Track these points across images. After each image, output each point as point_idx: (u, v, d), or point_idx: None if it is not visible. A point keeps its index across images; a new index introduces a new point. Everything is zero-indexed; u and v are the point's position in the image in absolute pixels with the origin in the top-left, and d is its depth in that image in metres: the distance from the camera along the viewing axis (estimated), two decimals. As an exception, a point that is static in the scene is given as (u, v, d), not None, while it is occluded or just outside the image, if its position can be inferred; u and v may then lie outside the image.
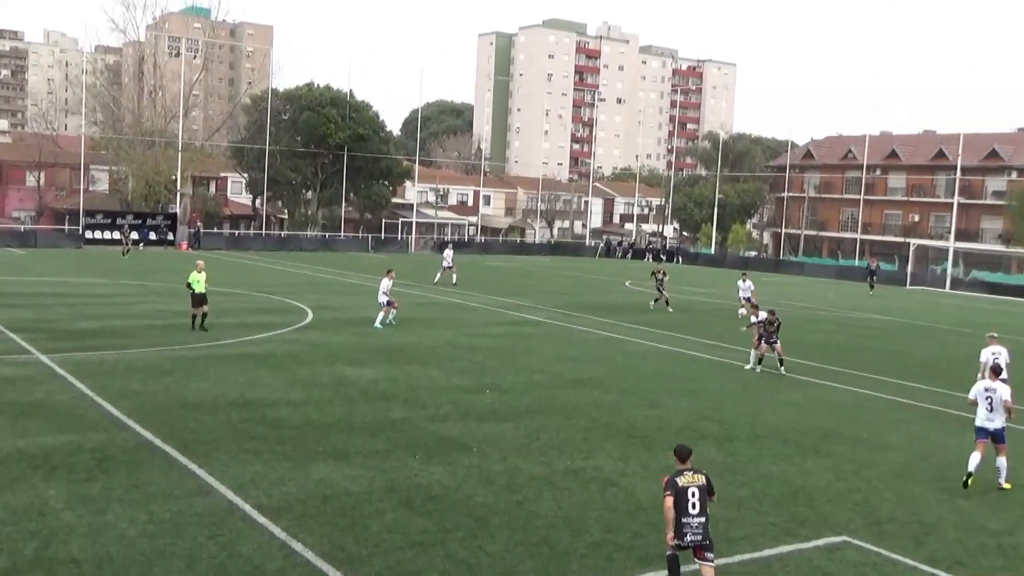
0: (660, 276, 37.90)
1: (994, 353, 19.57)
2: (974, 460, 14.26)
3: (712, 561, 9.57)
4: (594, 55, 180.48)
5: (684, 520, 9.40)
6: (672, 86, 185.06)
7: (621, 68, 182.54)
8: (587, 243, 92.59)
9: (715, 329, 32.33)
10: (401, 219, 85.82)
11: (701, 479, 9.58)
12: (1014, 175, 78.82)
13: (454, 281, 44.01)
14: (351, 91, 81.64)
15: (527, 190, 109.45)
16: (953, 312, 45.99)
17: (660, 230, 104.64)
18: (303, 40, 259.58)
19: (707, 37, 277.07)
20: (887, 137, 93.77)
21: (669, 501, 9.42)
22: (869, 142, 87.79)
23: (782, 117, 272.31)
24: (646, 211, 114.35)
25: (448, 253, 46.44)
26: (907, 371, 25.79)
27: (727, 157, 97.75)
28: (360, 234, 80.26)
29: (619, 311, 36.37)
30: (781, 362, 24.01)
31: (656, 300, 37.88)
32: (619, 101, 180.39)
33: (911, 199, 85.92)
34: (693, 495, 9.45)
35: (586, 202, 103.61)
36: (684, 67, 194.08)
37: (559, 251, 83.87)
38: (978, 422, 14.63)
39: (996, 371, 15.20)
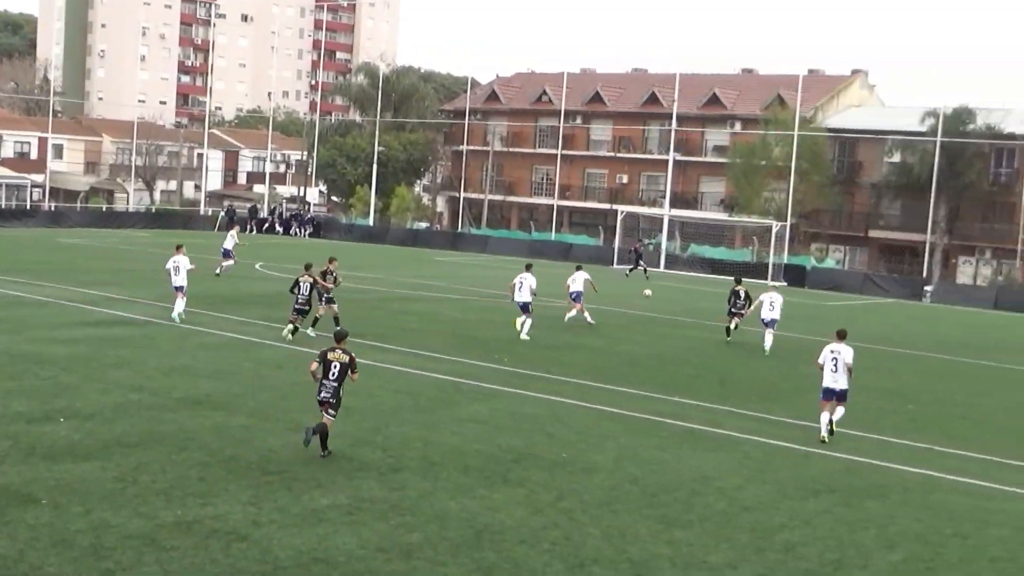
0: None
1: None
2: (824, 419, 21.04)
3: (332, 416, 17.32)
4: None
5: (323, 382, 17.34)
6: (316, 1, 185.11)
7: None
8: (203, 211, 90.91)
9: (377, 325, 32.87)
10: (-71, 178, 79.92)
11: (345, 358, 17.41)
12: (737, 126, 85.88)
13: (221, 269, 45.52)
14: None
15: (116, 138, 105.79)
16: (672, 296, 49.48)
17: (302, 194, 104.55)
18: None
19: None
20: (589, 76, 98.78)
21: (314, 365, 17.64)
22: (568, 82, 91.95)
23: (460, 47, 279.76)
24: (282, 168, 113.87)
25: (233, 232, 47.97)
26: (614, 372, 27.57)
27: (389, 97, 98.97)
28: None
29: (249, 304, 36.08)
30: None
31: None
32: (245, 19, 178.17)
33: (618, 155, 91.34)
34: (335, 367, 17.33)
35: (200, 155, 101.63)
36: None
37: (163, 223, 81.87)
38: (824, 383, 21.37)
39: (841, 334, 21.89)
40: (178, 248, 32.90)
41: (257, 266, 51.93)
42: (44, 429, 17.99)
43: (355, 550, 13.24)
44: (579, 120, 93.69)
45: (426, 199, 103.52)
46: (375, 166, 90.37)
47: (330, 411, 17.30)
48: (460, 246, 77.67)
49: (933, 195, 70.67)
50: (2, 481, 15.07)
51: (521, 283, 33.78)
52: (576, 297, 36.94)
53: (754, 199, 77.90)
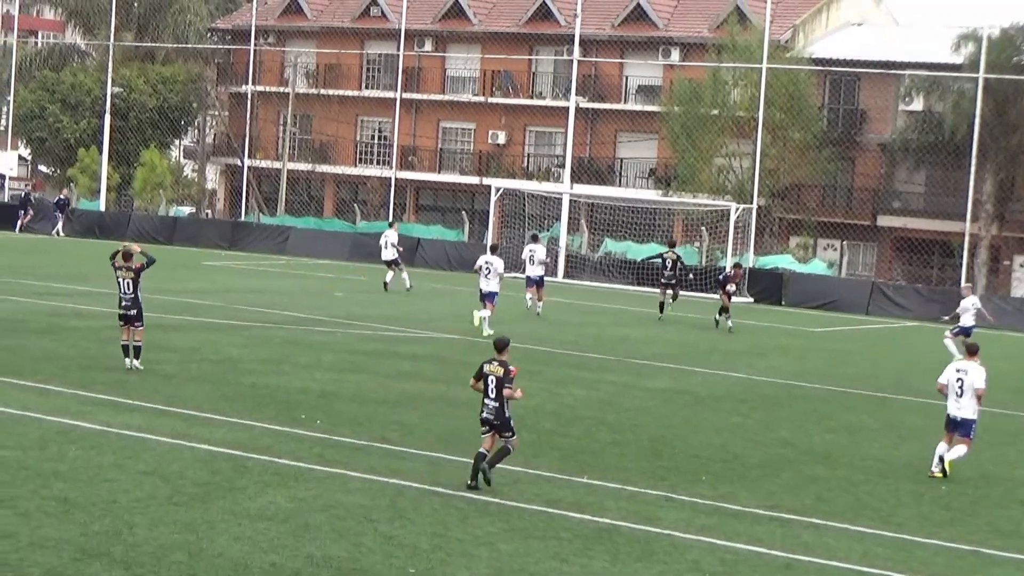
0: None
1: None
2: (939, 450, 25.84)
3: (508, 439, 22.85)
4: None
5: (484, 400, 22.79)
6: None
7: None
8: None
9: (112, 368, 32.83)
10: None
11: (500, 371, 22.43)
12: (675, 56, 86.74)
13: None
14: None
15: None
16: (576, 319, 49.75)
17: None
18: None
19: None
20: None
21: (472, 382, 23.09)
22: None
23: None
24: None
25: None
26: (475, 438, 27.61)
27: (129, 9, 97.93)
28: None
29: None
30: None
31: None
32: None
33: (491, 100, 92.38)
34: (491, 382, 22.55)
35: None
36: None
37: None
38: (948, 409, 25.99)
39: (972, 349, 26.74)
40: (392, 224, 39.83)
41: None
42: None
43: None
44: (429, 45, 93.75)
45: (190, 170, 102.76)
46: (108, 117, 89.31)
47: (506, 434, 22.82)
48: (244, 243, 77.35)
49: (974, 162, 71.21)
50: None
51: (488, 267, 45.25)
52: (539, 282, 50.44)
53: (702, 169, 78.69)
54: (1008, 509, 24.71)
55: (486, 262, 45.47)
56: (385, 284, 57.39)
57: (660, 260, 54.04)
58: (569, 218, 74.56)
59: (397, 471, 24.11)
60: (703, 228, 75.34)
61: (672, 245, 55.42)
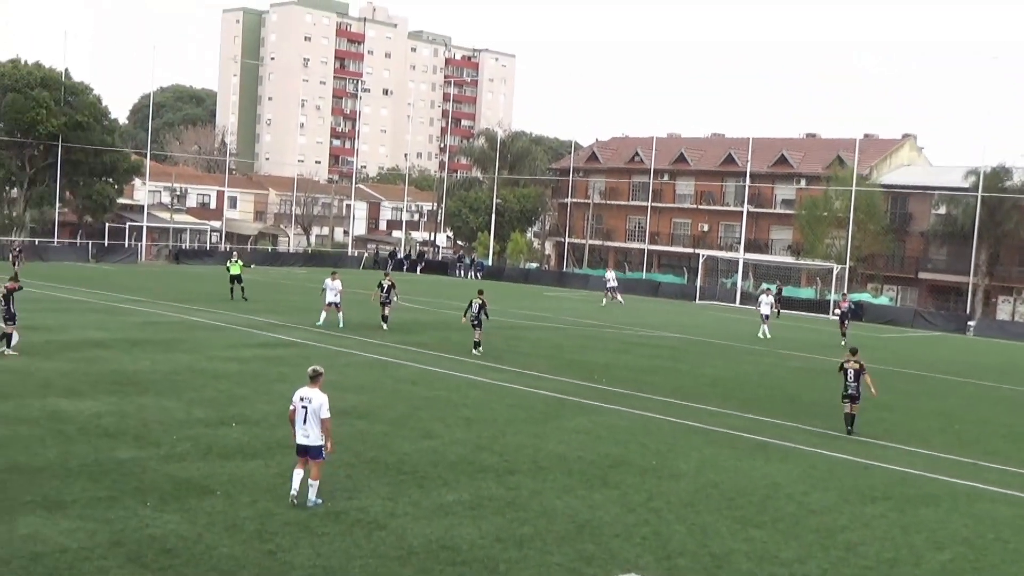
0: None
1: None
2: None
3: (850, 406, 21.94)
4: (357, 39, 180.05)
5: (846, 383, 21.93)
6: (445, 77, 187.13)
7: (388, 55, 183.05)
8: (350, 252, 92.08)
9: (495, 349, 32.88)
10: (129, 223, 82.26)
11: (856, 365, 21.98)
12: (803, 183, 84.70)
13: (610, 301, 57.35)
14: (67, 70, 77.21)
15: (280, 191, 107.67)
16: (744, 328, 48.80)
17: (432, 238, 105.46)
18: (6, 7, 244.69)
19: (483, 24, 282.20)
20: (675, 140, 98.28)
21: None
22: (657, 144, 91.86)
23: (565, 115, 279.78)
24: (416, 217, 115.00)
25: (610, 274, 62.25)
26: (697, 392, 27.17)
27: (505, 158, 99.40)
28: (79, 240, 76.42)
29: (389, 330, 36.37)
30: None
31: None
32: (386, 92, 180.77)
33: (700, 207, 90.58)
34: (849, 374, 21.95)
35: (348, 206, 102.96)
36: (458, 56, 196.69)
37: (317, 261, 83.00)
38: None
39: None
40: (333, 275, 37.77)
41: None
42: (219, 432, 18.30)
43: (476, 539, 13.24)
44: (666, 177, 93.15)
45: (536, 243, 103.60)
46: (494, 215, 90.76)
47: (853, 404, 22.03)
48: (565, 283, 77.44)
49: (975, 242, 68.77)
50: (184, 475, 15.35)
51: (760, 300, 46.37)
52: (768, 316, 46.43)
53: (817, 245, 76.72)
54: (995, 441, 23.54)
55: (762, 298, 46.50)
56: (613, 301, 58.07)
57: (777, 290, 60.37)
58: (743, 271, 73.21)
59: (646, 407, 23.99)
60: (817, 278, 73.77)
61: (778, 284, 63.16)
